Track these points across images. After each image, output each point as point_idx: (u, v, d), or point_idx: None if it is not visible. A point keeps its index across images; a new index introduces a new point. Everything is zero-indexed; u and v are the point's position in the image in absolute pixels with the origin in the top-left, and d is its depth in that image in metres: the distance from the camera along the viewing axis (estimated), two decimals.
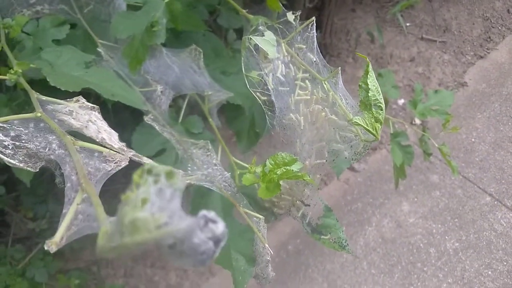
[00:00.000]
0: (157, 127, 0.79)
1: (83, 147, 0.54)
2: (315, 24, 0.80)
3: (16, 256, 2.14)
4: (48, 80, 0.74)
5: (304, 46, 0.81)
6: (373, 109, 0.61)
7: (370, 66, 0.63)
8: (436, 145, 1.91)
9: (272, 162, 0.68)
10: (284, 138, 0.76)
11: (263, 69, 0.79)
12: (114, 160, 0.55)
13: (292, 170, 0.67)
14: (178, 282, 2.44)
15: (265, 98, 0.80)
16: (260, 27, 0.79)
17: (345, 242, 0.86)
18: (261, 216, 0.70)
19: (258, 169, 0.69)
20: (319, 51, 0.81)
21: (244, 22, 0.92)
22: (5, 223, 2.28)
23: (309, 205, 0.83)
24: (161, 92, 0.93)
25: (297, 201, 0.83)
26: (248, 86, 0.79)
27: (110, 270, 2.56)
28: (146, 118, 0.79)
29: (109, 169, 0.55)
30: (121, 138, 0.64)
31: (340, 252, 1.83)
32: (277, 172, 0.67)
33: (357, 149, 0.69)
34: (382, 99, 0.62)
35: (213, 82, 1.04)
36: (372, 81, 0.62)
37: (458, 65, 2.99)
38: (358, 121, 0.61)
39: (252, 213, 0.71)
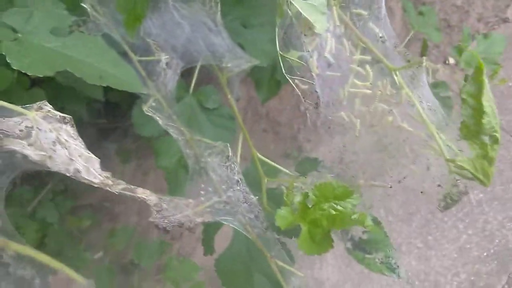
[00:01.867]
0: (160, 121, 0.57)
1: None
2: None
3: (26, 196, 2.01)
4: (8, 60, 0.51)
5: (366, 13, 0.55)
6: (485, 141, 0.38)
7: (484, 72, 0.38)
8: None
9: (317, 193, 0.46)
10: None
11: (305, 46, 0.55)
12: None
13: (348, 207, 0.45)
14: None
15: (306, 87, 0.56)
16: None
17: (394, 263, 0.66)
18: (301, 274, 0.49)
19: (297, 198, 0.48)
20: (388, 22, 0.55)
21: None
22: None
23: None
24: (167, 63, 0.68)
25: None
26: (283, 71, 0.55)
27: (123, 207, 2.46)
28: (145, 109, 0.57)
29: None
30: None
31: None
32: (325, 208, 0.46)
33: (443, 183, 0.47)
34: (499, 126, 0.38)
35: (234, 45, 0.78)
36: (487, 97, 0.38)
37: None
38: (463, 164, 0.38)
39: (290, 268, 0.50)
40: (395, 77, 0.50)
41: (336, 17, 0.56)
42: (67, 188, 2.16)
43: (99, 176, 0.40)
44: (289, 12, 0.54)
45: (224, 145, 0.55)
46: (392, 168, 0.53)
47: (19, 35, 0.57)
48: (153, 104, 0.60)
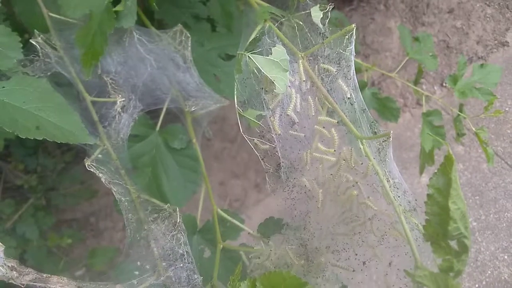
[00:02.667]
0: (102, 179, 0.50)
1: None
2: (354, 35, 0.48)
3: (6, 210, 1.95)
4: None
5: (335, 69, 0.49)
6: (452, 247, 0.31)
7: (455, 166, 0.32)
8: (474, 128, 1.57)
9: (266, 284, 0.40)
10: (290, 212, 0.47)
11: (266, 104, 0.48)
12: None
13: None
14: None
15: (266, 147, 0.50)
16: (268, 38, 0.47)
17: None
18: None
19: (243, 286, 0.41)
20: (355, 79, 0.49)
21: (244, 11, 0.59)
22: None
23: None
24: (123, 107, 0.62)
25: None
26: (241, 130, 0.48)
27: (109, 223, 2.39)
28: (87, 163, 0.50)
29: None
30: None
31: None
32: None
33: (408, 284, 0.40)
34: (468, 231, 0.32)
35: (202, 83, 0.72)
36: (456, 196, 0.31)
37: (502, 21, 2.54)
38: (424, 280, 0.32)
39: None
40: (361, 146, 0.44)
41: (302, 72, 0.50)
42: (50, 203, 2.10)
43: (2, 268, 0.34)
44: (250, 66, 0.48)
45: (173, 208, 0.49)
46: (358, 245, 0.47)
47: None
48: (99, 156, 0.53)
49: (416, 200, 0.45)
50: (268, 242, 0.55)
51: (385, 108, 1.57)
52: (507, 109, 2.44)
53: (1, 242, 1.55)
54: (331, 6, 0.53)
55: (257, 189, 2.33)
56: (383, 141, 0.43)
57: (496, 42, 2.49)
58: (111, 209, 2.29)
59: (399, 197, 0.42)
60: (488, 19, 2.52)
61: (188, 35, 0.74)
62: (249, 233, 0.57)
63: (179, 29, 0.74)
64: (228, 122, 2.38)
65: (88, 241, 2.27)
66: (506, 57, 2.48)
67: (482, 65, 1.63)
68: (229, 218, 0.58)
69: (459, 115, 1.59)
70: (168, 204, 0.51)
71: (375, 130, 0.46)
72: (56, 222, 2.11)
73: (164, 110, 0.73)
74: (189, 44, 0.73)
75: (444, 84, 2.44)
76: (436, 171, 0.33)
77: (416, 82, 1.71)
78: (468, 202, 2.21)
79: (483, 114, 1.56)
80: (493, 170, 2.27)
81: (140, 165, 0.73)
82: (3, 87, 0.52)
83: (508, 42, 2.50)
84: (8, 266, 0.34)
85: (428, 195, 0.33)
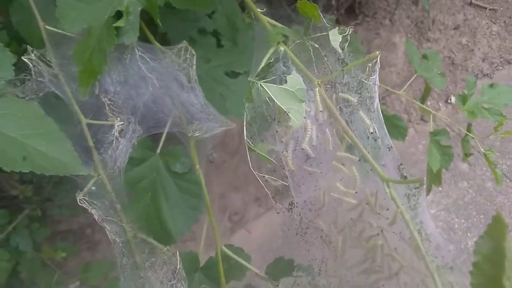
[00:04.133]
0: (95, 216, 0.45)
1: None
2: (379, 63, 0.43)
3: (0, 221, 1.89)
4: None
5: (355, 99, 0.44)
6: None
7: (507, 230, 0.27)
8: (482, 150, 1.51)
9: None
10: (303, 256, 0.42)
11: (278, 138, 0.43)
12: None
13: None
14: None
15: (278, 184, 0.45)
16: (282, 65, 0.42)
17: None
18: None
19: None
20: (380, 112, 0.44)
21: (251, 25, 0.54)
22: None
23: None
24: (121, 131, 0.57)
25: None
26: (250, 165, 0.43)
27: (104, 235, 2.32)
28: (79, 197, 0.45)
29: None
30: None
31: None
32: None
33: None
34: None
35: (207, 104, 0.67)
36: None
37: (507, 39, 2.50)
38: None
39: None
40: (387, 190, 0.39)
41: (318, 101, 0.45)
42: (45, 214, 2.04)
43: None
44: (261, 95, 0.43)
45: (173, 251, 0.44)
46: None
47: None
48: (93, 188, 0.48)
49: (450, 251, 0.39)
50: (278, 285, 0.49)
51: (393, 127, 1.52)
52: None
53: None
54: (351, 29, 0.48)
55: (258, 203, 2.28)
56: (414, 188, 0.38)
57: (501, 59, 2.45)
58: None
59: (431, 251, 0.37)
60: (494, 36, 2.48)
61: (193, 52, 0.69)
62: (256, 273, 0.52)
63: (184, 46, 0.69)
64: (229, 133, 2.32)
65: (83, 253, 2.21)
66: (511, 75, 2.44)
67: (492, 85, 1.58)
68: (234, 256, 0.53)
69: (467, 135, 1.54)
70: (167, 247, 0.45)
71: (404, 173, 0.41)
72: (51, 233, 2.05)
73: (166, 128, 0.68)
74: (194, 62, 0.68)
75: (449, 101, 2.40)
76: (482, 234, 0.28)
77: (423, 100, 1.66)
78: (473, 221, 2.17)
79: (493, 135, 1.51)
80: (498, 189, 2.22)
81: (139, 191, 0.67)
82: None
83: None
84: None
85: (474, 263, 0.28)
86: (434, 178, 1.58)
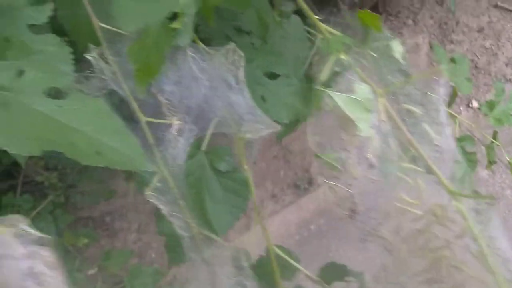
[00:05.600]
0: (164, 211, 0.47)
1: None
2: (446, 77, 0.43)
3: (25, 206, 1.93)
4: None
5: (419, 111, 0.45)
6: None
7: None
8: (508, 158, 1.51)
9: None
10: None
11: (344, 145, 0.44)
12: None
13: None
14: None
15: (342, 191, 0.46)
16: (348, 75, 0.43)
17: None
18: None
19: None
20: (446, 124, 0.44)
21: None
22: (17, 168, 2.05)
23: None
24: (178, 130, 0.58)
25: None
26: (315, 173, 0.44)
27: (124, 223, 2.36)
28: (147, 194, 0.47)
29: None
30: None
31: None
32: None
33: None
34: None
35: (254, 106, 0.68)
36: None
37: None
38: None
39: None
40: (455, 203, 0.40)
41: (382, 111, 0.46)
42: (68, 200, 2.08)
43: None
44: (328, 104, 0.44)
45: (235, 249, 0.45)
46: None
47: (6, 93, 0.47)
48: (158, 184, 0.50)
49: None
50: None
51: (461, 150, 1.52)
52: None
53: None
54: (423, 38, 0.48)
55: (274, 199, 2.29)
56: (484, 203, 0.39)
57: None
58: (127, 210, 2.26)
59: (499, 265, 0.38)
60: None
61: (242, 54, 0.69)
62: (306, 275, 0.53)
63: (231, 48, 0.69)
64: None
65: (102, 240, 2.25)
66: None
67: None
68: (284, 255, 0.54)
69: (492, 142, 1.53)
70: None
71: (474, 188, 0.42)
72: (73, 219, 2.09)
73: (210, 130, 0.69)
74: (242, 64, 0.69)
75: (470, 105, 2.38)
76: None
77: (449, 105, 1.65)
78: None
79: None
80: None
81: (186, 187, 0.69)
82: (60, 106, 0.49)
83: None
84: None
85: None
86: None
